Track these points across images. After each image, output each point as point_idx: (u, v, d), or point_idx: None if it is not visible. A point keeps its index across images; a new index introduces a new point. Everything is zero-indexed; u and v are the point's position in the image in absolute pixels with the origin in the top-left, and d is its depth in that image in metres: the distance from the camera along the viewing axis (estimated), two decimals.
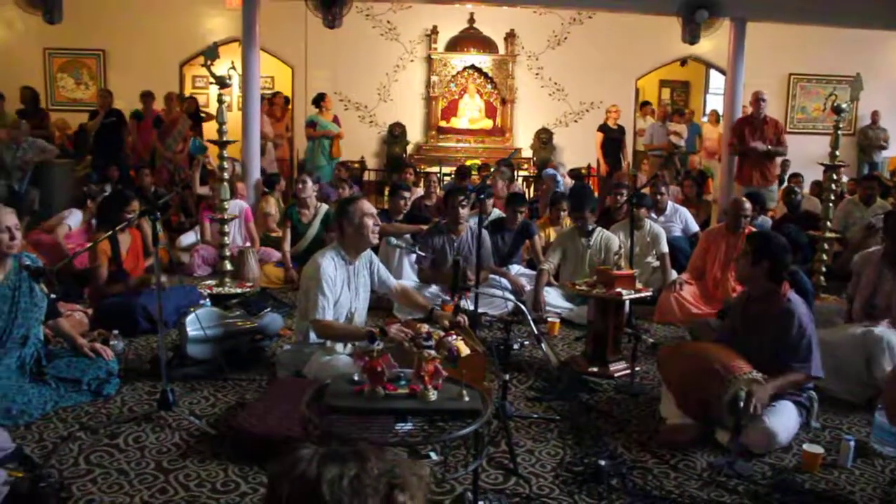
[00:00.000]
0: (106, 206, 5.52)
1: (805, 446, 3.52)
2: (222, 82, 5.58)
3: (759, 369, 3.63)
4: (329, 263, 4.13)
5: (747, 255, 3.91)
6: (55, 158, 8.88)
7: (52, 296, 4.03)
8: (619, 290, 4.68)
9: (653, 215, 7.08)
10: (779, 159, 8.86)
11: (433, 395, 2.62)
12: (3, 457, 3.19)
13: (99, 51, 12.35)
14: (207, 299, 5.34)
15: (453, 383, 2.76)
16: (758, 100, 8.18)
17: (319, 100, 10.26)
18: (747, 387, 3.52)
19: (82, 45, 12.13)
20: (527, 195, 9.98)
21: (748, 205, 5.97)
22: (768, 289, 3.85)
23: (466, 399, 2.64)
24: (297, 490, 1.24)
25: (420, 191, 8.46)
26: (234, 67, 5.94)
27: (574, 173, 10.68)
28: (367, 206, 4.25)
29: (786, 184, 9.80)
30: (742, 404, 3.47)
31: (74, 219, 6.56)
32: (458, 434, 2.47)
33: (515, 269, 6.54)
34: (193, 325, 4.42)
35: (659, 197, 7.26)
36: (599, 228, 6.10)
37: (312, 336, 4.19)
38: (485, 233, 5.86)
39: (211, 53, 5.54)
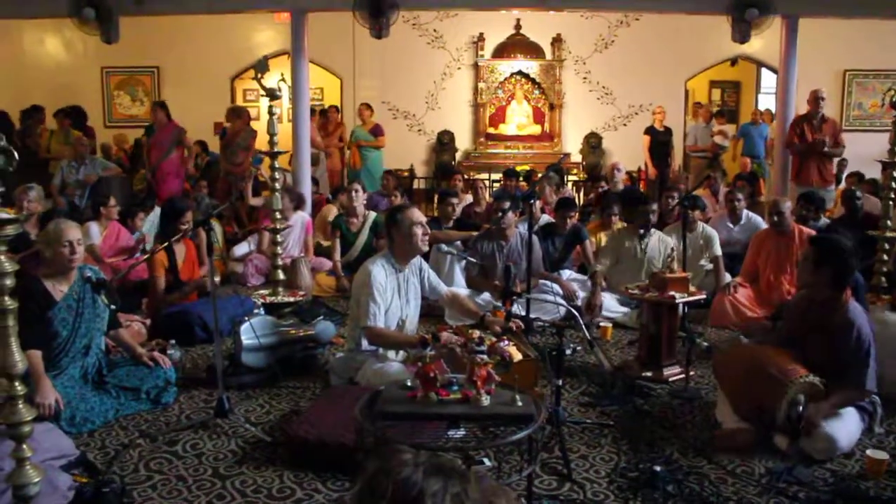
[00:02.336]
0: (162, 218, 5.66)
1: (869, 452, 3.42)
2: (273, 94, 5.67)
3: (815, 374, 3.55)
4: (380, 271, 4.15)
5: (809, 260, 3.79)
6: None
7: (113, 307, 4.14)
8: (672, 293, 4.62)
9: (729, 224, 6.96)
10: (836, 159, 8.64)
11: (486, 400, 2.62)
12: (68, 463, 3.28)
13: (153, 68, 12.67)
14: (261, 308, 5.42)
15: (506, 388, 2.76)
16: (817, 98, 8.01)
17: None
18: (805, 391, 3.45)
19: (137, 63, 12.45)
20: (577, 200, 9.90)
21: (786, 204, 5.86)
22: (829, 296, 3.74)
23: (519, 404, 2.63)
24: (400, 492, 1.22)
25: (469, 198, 8.46)
26: (283, 79, 6.02)
27: None
28: (417, 214, 4.26)
29: (843, 184, 9.56)
30: (801, 409, 3.40)
31: (94, 232, 6.64)
32: (512, 439, 2.47)
33: (567, 274, 6.49)
34: (248, 334, 4.49)
35: (736, 204, 7.02)
36: (653, 231, 6.04)
37: (364, 343, 4.21)
38: (534, 238, 5.84)
39: (261, 66, 5.63)
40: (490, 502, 1.24)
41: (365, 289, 4.11)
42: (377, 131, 10.91)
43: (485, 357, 2.72)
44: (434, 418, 2.62)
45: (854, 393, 3.61)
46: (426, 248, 4.38)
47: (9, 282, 2.49)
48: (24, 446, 2.61)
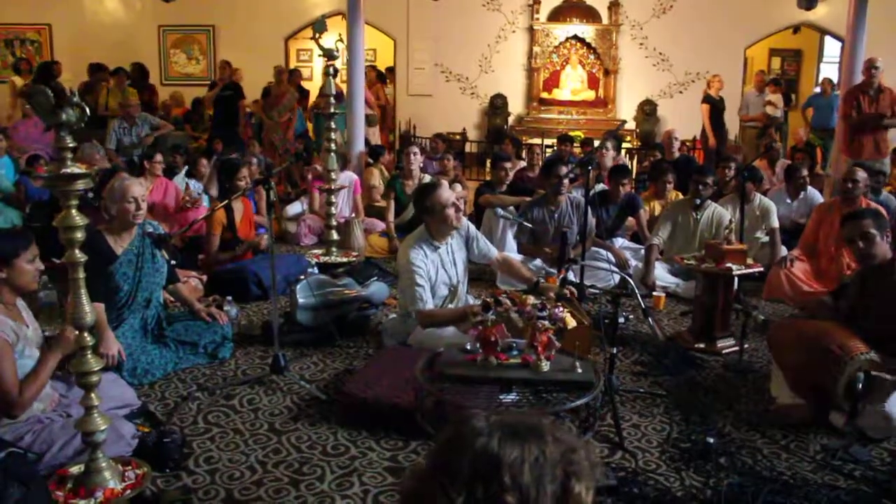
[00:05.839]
0: (219, 175, 5.73)
1: None
2: (330, 55, 5.67)
3: (878, 350, 3.47)
4: (417, 253, 4.13)
5: (868, 234, 3.71)
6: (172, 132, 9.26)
7: (172, 262, 4.22)
8: (729, 265, 4.55)
9: (787, 200, 6.81)
10: (893, 131, 8.33)
11: (546, 365, 2.62)
12: (131, 412, 3.39)
13: (209, 27, 12.76)
14: (315, 268, 5.47)
15: (566, 354, 2.75)
16: (870, 68, 7.67)
17: None
18: (866, 368, 3.38)
19: (193, 22, 12.55)
20: (630, 168, 9.76)
21: (862, 173, 5.65)
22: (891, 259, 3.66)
23: (579, 371, 2.63)
24: (479, 466, 1.17)
25: (523, 163, 8.40)
26: (341, 40, 6.01)
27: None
28: (446, 194, 4.16)
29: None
30: (860, 386, 3.33)
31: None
32: (572, 405, 2.46)
33: (619, 242, 6.43)
34: (303, 293, 4.54)
35: (799, 179, 6.83)
36: (710, 202, 5.94)
37: None
38: (584, 203, 5.78)
39: (320, 27, 5.63)
40: (569, 459, 1.19)
41: (406, 273, 4.11)
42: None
43: (546, 322, 2.71)
44: (493, 382, 2.62)
45: None
46: (461, 224, 4.33)
47: (79, 235, 2.55)
48: (93, 395, 2.70)
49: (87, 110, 2.50)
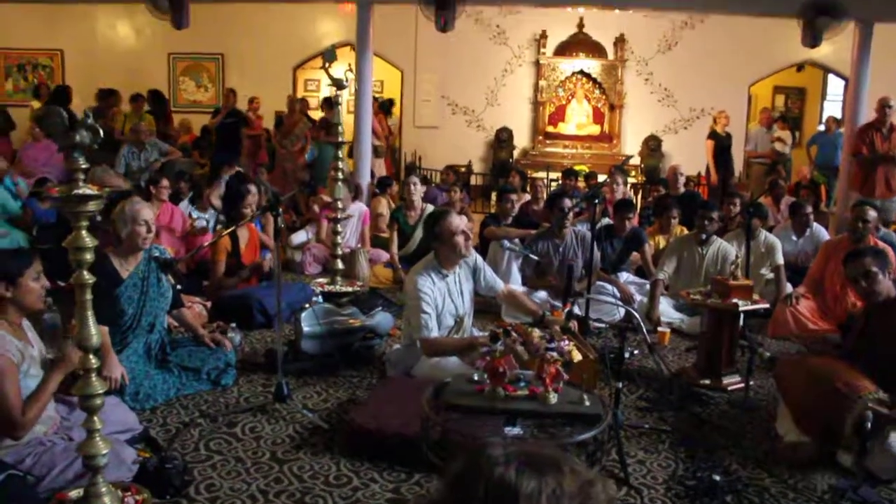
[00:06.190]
0: (225, 202, 5.74)
1: None
2: (339, 84, 5.70)
3: (885, 389, 3.45)
4: (425, 280, 4.14)
5: (871, 272, 3.72)
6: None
7: (178, 287, 4.21)
8: (735, 300, 4.53)
9: (793, 237, 6.81)
10: None
11: (554, 397, 2.59)
12: (132, 437, 3.36)
13: (218, 55, 12.88)
14: (320, 296, 5.46)
15: (573, 387, 2.73)
16: (884, 106, 7.78)
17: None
18: (874, 407, 3.35)
19: (203, 50, 12.66)
20: (635, 203, 9.77)
21: (872, 213, 5.65)
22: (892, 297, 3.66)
23: (587, 403, 2.61)
24: (494, 495, 1.15)
25: (527, 196, 8.42)
26: (351, 70, 6.05)
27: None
28: (456, 221, 4.18)
29: None
30: (868, 426, 3.30)
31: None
32: (582, 437, 2.44)
33: (624, 276, 6.42)
34: (309, 321, 4.53)
35: (805, 216, 6.81)
36: (715, 237, 5.94)
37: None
38: (589, 237, 5.78)
39: (330, 56, 5.67)
40: (587, 493, 1.17)
41: (413, 300, 4.12)
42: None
43: (554, 354, 2.69)
44: (500, 413, 2.60)
45: None
46: (470, 254, 4.34)
47: (89, 256, 2.55)
48: (95, 418, 2.68)
49: (101, 132, 2.51)
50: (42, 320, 4.59)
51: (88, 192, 2.46)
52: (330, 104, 10.35)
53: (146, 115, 9.92)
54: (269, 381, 4.25)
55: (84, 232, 2.52)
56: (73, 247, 2.52)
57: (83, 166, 2.49)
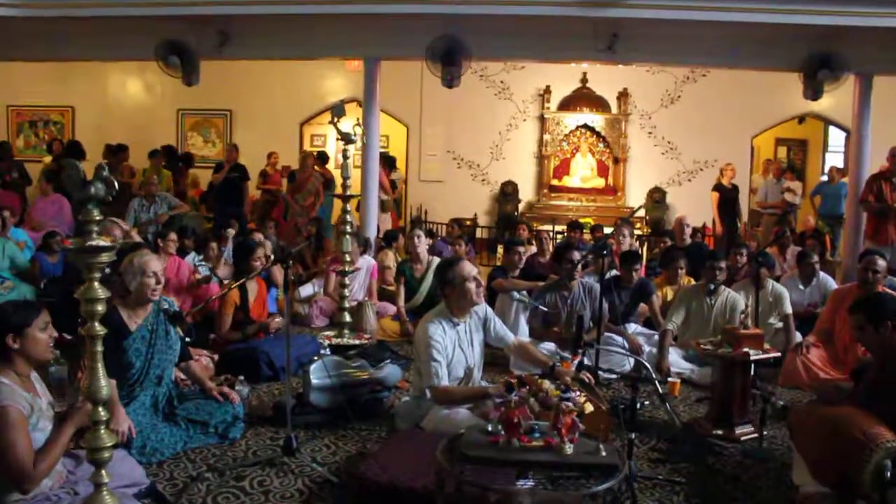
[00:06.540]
0: (235, 255, 5.76)
1: None
2: (348, 138, 5.77)
3: None
4: (436, 328, 4.12)
5: (865, 327, 3.71)
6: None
7: (187, 339, 4.20)
8: (746, 349, 4.50)
9: (800, 286, 6.80)
10: None
11: (569, 448, 2.56)
12: (139, 492, 3.31)
13: (226, 111, 13.08)
14: (328, 349, 5.44)
15: (589, 438, 2.70)
16: (893, 155, 7.87)
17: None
18: (893, 457, 3.29)
19: (211, 106, 12.86)
20: (641, 254, 9.78)
21: (882, 262, 5.64)
22: None
23: (603, 454, 2.57)
24: None
25: (534, 248, 8.44)
26: (359, 124, 6.12)
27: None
28: (468, 268, 4.20)
29: None
30: (888, 475, 3.24)
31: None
32: (600, 488, 2.40)
33: (632, 328, 6.40)
34: (318, 374, 4.49)
35: (812, 267, 6.85)
36: (724, 287, 5.93)
37: (429, 393, 4.16)
38: (597, 288, 5.78)
39: (339, 111, 5.75)
40: None
41: (424, 348, 4.09)
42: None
43: (570, 405, 2.66)
44: (516, 465, 2.56)
45: None
46: (482, 301, 4.33)
47: (101, 307, 2.55)
48: (103, 472, 2.65)
49: (116, 185, 2.53)
50: (49, 373, 4.57)
51: (102, 243, 2.47)
52: (324, 159, 10.54)
53: (164, 171, 10.06)
54: (278, 434, 4.21)
55: (96, 283, 2.53)
56: (86, 298, 2.52)
57: (97, 218, 2.51)
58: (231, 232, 7.84)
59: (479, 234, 12.28)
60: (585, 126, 12.49)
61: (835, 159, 13.45)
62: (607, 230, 9.27)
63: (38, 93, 12.86)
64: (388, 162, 11.61)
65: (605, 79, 12.31)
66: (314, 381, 4.46)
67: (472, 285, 4.13)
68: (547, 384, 3.69)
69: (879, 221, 8.04)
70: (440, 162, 12.85)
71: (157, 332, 4.11)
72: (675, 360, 5.83)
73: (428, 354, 4.04)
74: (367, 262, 7.41)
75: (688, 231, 8.25)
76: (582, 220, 10.47)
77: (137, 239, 7.08)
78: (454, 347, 4.17)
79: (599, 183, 12.59)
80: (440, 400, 4.05)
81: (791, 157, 14.95)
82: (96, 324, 2.56)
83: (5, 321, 2.89)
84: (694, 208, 11.53)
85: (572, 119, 12.43)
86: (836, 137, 13.80)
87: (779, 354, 5.01)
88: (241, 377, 4.84)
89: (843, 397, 4.49)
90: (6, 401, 2.76)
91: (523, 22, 7.91)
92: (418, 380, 4.25)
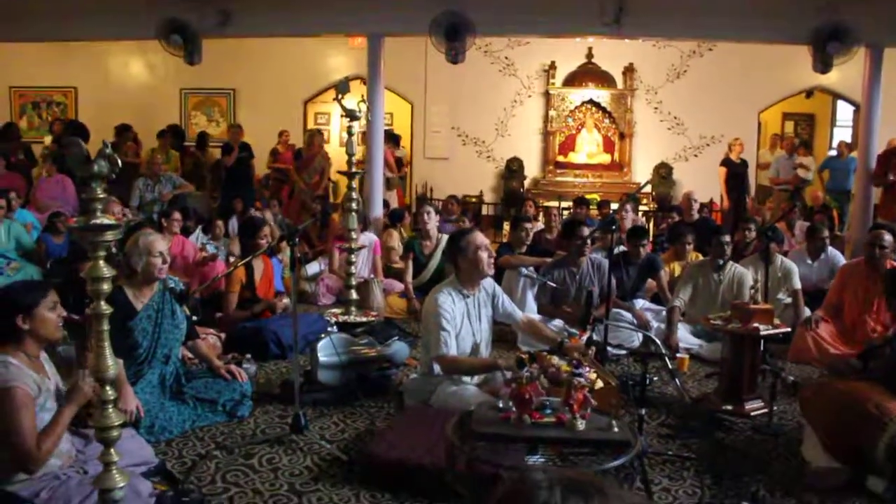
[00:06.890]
0: (240, 234, 5.74)
1: None
2: (353, 115, 5.72)
3: None
4: (446, 298, 4.11)
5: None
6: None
7: (194, 317, 4.18)
8: (756, 325, 4.47)
9: (808, 261, 6.76)
10: None
11: (581, 424, 2.54)
12: (148, 470, 3.31)
13: (229, 90, 13.00)
14: (335, 327, 5.43)
15: (601, 414, 2.68)
16: None
17: None
18: None
19: (215, 85, 12.78)
20: (647, 229, 9.73)
21: (888, 237, 5.60)
22: None
23: (616, 430, 2.55)
24: None
25: (541, 224, 8.41)
26: (364, 100, 6.05)
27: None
28: (480, 238, 4.21)
29: None
30: None
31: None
32: (615, 463, 2.38)
33: (640, 303, 6.37)
34: (326, 351, 4.49)
35: (822, 241, 6.81)
36: (731, 263, 5.89)
37: (437, 368, 4.16)
38: (605, 264, 5.75)
39: (343, 88, 5.68)
40: None
41: (433, 317, 4.08)
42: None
43: (581, 380, 2.64)
44: (528, 441, 2.55)
45: None
46: (492, 272, 4.32)
47: (107, 286, 2.53)
48: (112, 450, 2.64)
49: (119, 163, 2.50)
50: (56, 353, 4.57)
51: (106, 222, 2.44)
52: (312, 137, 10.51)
53: (172, 152, 10.02)
54: (286, 412, 4.21)
55: (102, 262, 2.51)
56: (91, 277, 2.50)
57: (101, 196, 2.48)
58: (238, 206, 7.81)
59: (484, 210, 12.23)
60: (591, 102, 12.36)
61: (843, 134, 13.34)
62: (614, 206, 9.22)
63: (40, 74, 12.79)
64: (392, 139, 11.55)
65: (611, 54, 12.16)
66: (322, 358, 4.46)
67: (483, 254, 4.13)
68: (556, 360, 3.66)
69: (888, 197, 7.97)
70: (445, 139, 12.77)
71: (163, 312, 4.10)
72: (684, 335, 5.81)
73: (437, 324, 4.02)
74: (368, 238, 7.38)
75: (695, 206, 8.20)
76: (588, 197, 10.42)
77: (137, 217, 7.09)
78: (463, 319, 4.16)
79: (605, 159, 12.50)
80: (447, 370, 4.05)
81: (798, 132, 14.83)
82: (102, 303, 2.53)
83: (15, 302, 2.88)
84: (700, 184, 11.44)
85: (578, 95, 12.31)
86: (845, 111, 13.66)
87: (789, 329, 4.98)
88: (249, 355, 4.84)
89: (855, 373, 4.47)
90: (13, 381, 2.75)
91: None
92: (426, 356, 4.23)
